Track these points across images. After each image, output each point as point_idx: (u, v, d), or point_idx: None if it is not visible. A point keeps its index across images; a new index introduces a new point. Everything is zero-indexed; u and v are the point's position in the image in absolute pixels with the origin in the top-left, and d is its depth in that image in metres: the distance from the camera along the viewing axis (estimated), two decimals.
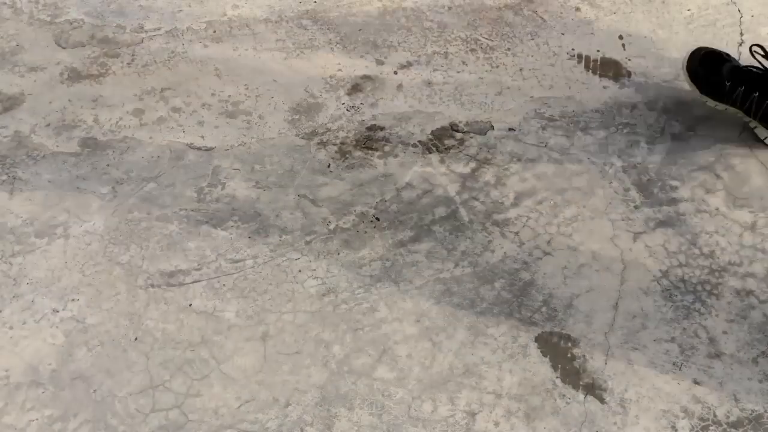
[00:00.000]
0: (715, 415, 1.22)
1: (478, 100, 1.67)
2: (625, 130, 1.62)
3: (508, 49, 1.79)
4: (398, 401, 1.24)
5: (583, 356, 1.29)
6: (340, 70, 1.74)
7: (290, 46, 1.79)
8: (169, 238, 1.46)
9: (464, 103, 1.67)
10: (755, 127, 1.57)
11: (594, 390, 1.25)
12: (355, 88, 1.70)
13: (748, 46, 1.39)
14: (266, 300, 1.36)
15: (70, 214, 1.49)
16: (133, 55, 1.79)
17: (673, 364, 1.27)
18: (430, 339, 1.31)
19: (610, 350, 1.29)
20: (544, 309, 1.35)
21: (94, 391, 1.26)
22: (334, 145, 1.59)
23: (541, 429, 1.21)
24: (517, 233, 1.45)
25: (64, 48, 1.81)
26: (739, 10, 1.87)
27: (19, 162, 1.58)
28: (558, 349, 1.30)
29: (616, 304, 1.35)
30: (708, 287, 1.37)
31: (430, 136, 1.61)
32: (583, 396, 1.24)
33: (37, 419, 1.23)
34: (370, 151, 1.58)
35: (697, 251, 1.42)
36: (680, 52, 1.78)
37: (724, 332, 1.31)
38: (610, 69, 1.75)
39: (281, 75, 1.73)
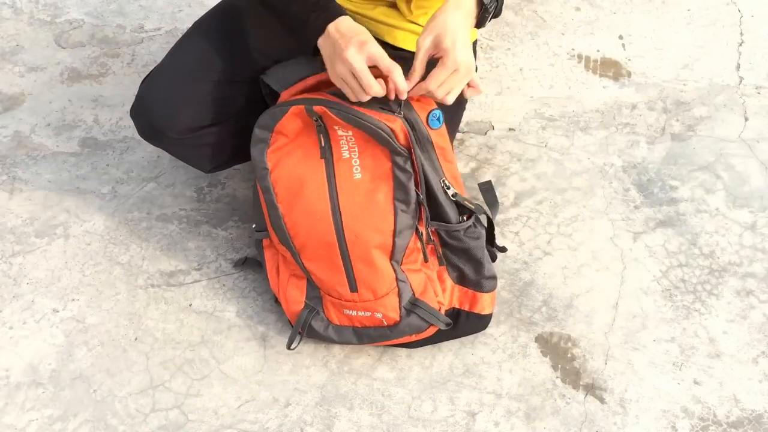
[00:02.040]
0: (715, 415, 1.22)
1: (478, 100, 1.67)
2: (625, 130, 1.62)
3: (508, 49, 1.79)
4: (398, 401, 1.24)
5: (583, 356, 1.29)
6: None
7: None
8: (169, 238, 1.46)
9: None
10: None
11: (594, 390, 1.25)
12: None
13: None
14: (266, 300, 1.36)
15: (70, 214, 1.49)
16: (133, 55, 1.79)
17: (673, 364, 1.27)
18: None
19: (610, 350, 1.29)
20: (544, 309, 1.35)
21: (94, 391, 1.26)
22: None
23: (541, 429, 1.21)
24: (517, 233, 1.45)
25: (64, 48, 1.81)
26: (739, 10, 1.87)
27: (19, 162, 1.58)
28: (558, 349, 1.30)
29: (616, 304, 1.35)
30: (708, 287, 1.37)
31: None
32: (583, 396, 1.24)
33: (37, 419, 1.23)
34: None
35: (697, 251, 1.42)
36: (680, 52, 1.78)
37: (724, 332, 1.31)
38: (610, 69, 1.75)
39: None
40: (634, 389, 1.25)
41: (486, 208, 1.29)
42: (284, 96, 1.21)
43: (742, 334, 1.31)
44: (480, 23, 1.14)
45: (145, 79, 1.30)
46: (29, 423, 1.22)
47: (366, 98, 1.10)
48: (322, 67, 1.18)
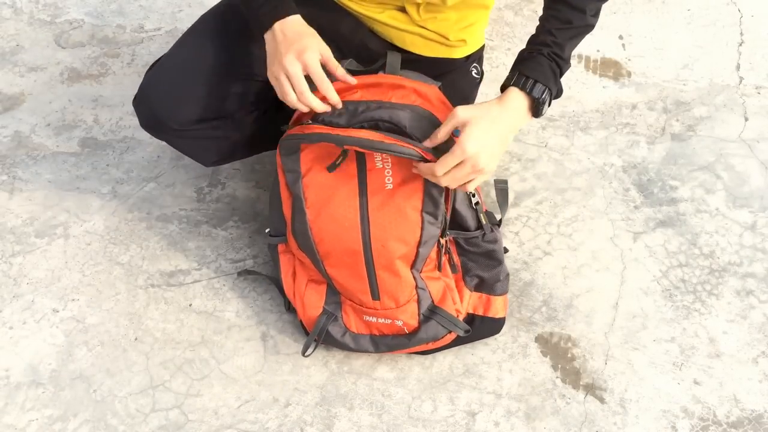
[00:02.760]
0: (715, 415, 1.22)
1: (478, 100, 1.66)
2: (625, 130, 1.62)
3: (508, 49, 1.79)
4: (398, 401, 1.24)
5: (583, 356, 1.29)
6: None
7: None
8: (169, 238, 1.46)
9: None
10: None
11: (594, 390, 1.25)
12: None
13: None
14: (266, 300, 1.36)
15: (70, 214, 1.49)
16: (133, 55, 1.79)
17: (673, 364, 1.27)
18: None
19: (610, 350, 1.29)
20: (544, 309, 1.35)
21: (94, 391, 1.26)
22: None
23: (541, 429, 1.21)
24: (517, 233, 1.45)
25: (64, 48, 1.81)
26: (739, 10, 1.87)
27: (19, 162, 1.58)
28: (558, 349, 1.30)
29: (616, 304, 1.35)
30: (708, 287, 1.37)
31: None
32: (583, 396, 1.24)
33: (37, 419, 1.23)
34: None
35: (697, 251, 1.42)
36: (680, 52, 1.78)
37: (724, 332, 1.31)
38: (610, 69, 1.75)
39: None
40: (634, 389, 1.25)
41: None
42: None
43: (742, 334, 1.31)
44: (537, 114, 1.12)
45: (149, 69, 1.30)
46: (29, 423, 1.22)
47: (294, 101, 1.10)
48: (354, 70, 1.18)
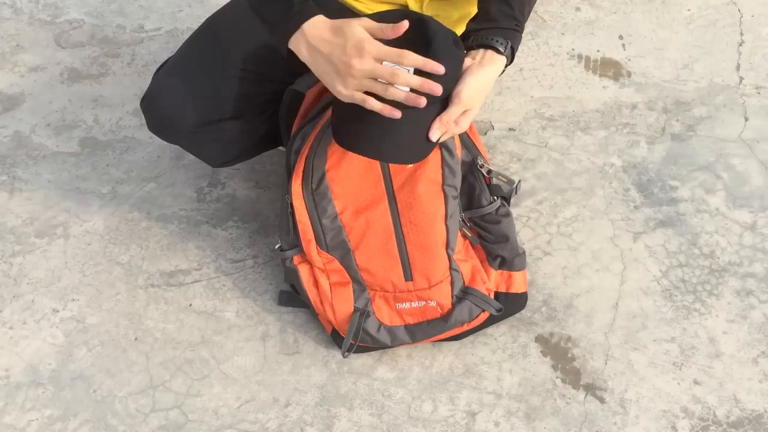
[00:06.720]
0: (715, 415, 1.22)
1: None
2: (625, 130, 1.62)
3: None
4: (398, 401, 1.24)
5: (583, 356, 1.29)
6: None
7: None
8: (169, 238, 1.46)
9: None
10: None
11: (594, 390, 1.25)
12: None
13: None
14: (266, 300, 1.36)
15: (70, 214, 1.49)
16: (133, 55, 1.79)
17: (673, 364, 1.27)
18: None
19: (610, 350, 1.29)
20: (544, 309, 1.35)
21: (94, 391, 1.26)
22: None
23: (541, 429, 1.21)
24: (517, 233, 1.45)
25: (64, 48, 1.81)
26: (739, 10, 1.87)
27: (19, 162, 1.58)
28: (558, 349, 1.30)
29: (616, 304, 1.35)
30: (708, 287, 1.37)
31: None
32: (583, 396, 1.24)
33: (37, 419, 1.23)
34: None
35: (697, 251, 1.42)
36: (680, 52, 1.78)
37: (724, 332, 1.31)
38: (610, 69, 1.75)
39: None
40: (634, 389, 1.25)
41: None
42: (309, 95, 1.23)
43: (742, 334, 1.31)
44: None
45: (158, 70, 1.29)
46: (29, 423, 1.22)
47: (400, 93, 0.99)
48: None
